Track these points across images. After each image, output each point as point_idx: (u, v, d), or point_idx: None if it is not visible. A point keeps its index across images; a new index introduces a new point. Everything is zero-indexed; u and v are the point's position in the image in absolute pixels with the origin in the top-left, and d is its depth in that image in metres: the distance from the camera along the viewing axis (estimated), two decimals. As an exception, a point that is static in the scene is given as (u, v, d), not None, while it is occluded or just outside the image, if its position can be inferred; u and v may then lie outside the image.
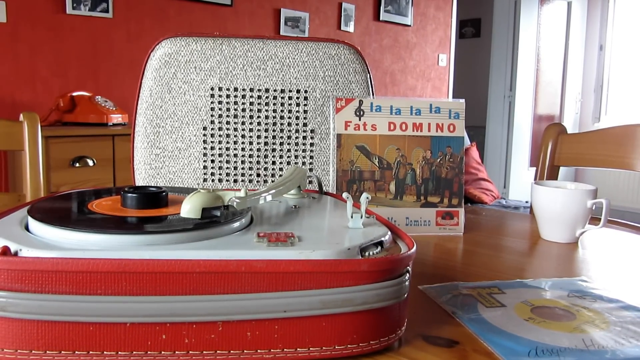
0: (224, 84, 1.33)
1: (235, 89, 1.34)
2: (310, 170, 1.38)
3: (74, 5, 3.77)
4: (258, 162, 1.35)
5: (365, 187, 1.26)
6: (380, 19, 6.03)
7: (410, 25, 6.42)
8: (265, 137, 1.35)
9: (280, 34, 4.97)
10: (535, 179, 1.74)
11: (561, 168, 1.82)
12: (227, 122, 1.34)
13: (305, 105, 1.36)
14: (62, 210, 0.78)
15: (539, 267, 1.06)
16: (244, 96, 1.34)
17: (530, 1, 7.47)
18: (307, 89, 1.35)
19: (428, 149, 1.27)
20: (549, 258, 1.12)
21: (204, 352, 0.59)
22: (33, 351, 0.57)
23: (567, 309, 0.80)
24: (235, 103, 1.34)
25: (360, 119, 1.26)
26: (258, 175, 1.36)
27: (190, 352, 0.59)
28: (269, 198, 0.80)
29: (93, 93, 3.55)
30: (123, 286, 0.57)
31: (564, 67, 8.05)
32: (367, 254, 0.67)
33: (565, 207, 1.21)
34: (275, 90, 1.35)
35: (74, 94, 3.44)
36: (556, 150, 1.78)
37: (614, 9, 7.87)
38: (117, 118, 3.44)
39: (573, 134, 1.80)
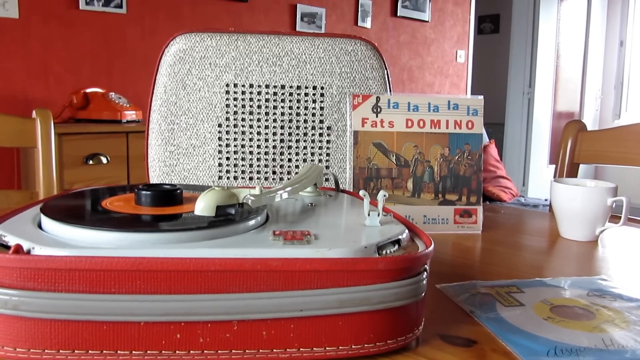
0: (239, 81, 1.33)
1: (251, 86, 1.34)
2: (327, 167, 1.37)
3: (87, 0, 3.78)
4: (274, 160, 1.36)
5: (382, 184, 1.26)
6: (398, 14, 6.02)
7: (428, 21, 6.41)
8: (281, 134, 1.35)
9: (296, 29, 4.97)
10: (554, 176, 1.73)
11: (581, 165, 1.81)
12: (243, 119, 1.34)
13: (321, 102, 1.36)
14: (75, 208, 0.78)
15: (558, 266, 1.06)
16: (259, 93, 1.34)
17: (549, -4, 7.45)
18: (323, 86, 1.35)
19: (446, 146, 1.27)
20: (569, 256, 1.12)
21: (219, 351, 0.59)
22: (46, 350, 0.57)
23: (586, 308, 0.80)
24: (251, 100, 1.34)
25: (377, 116, 1.26)
26: (274, 172, 1.36)
27: (205, 351, 0.59)
28: (284, 196, 0.80)
29: (107, 89, 3.55)
30: (137, 285, 0.57)
31: (584, 63, 8.01)
32: (384, 252, 0.67)
33: (585, 205, 1.20)
34: (291, 87, 1.35)
35: (88, 90, 3.44)
36: (576, 147, 1.78)
37: (635, 5, 7.83)
38: (131, 115, 3.44)
39: (593, 131, 1.79)
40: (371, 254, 0.64)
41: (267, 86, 1.34)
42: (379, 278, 0.60)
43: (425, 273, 0.65)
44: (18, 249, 0.59)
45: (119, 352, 0.58)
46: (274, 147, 1.35)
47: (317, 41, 1.35)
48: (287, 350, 0.60)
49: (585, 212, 1.21)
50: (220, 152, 1.34)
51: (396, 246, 0.69)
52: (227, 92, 1.33)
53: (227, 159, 1.35)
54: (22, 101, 3.57)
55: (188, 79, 1.33)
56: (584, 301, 0.82)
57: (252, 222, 0.71)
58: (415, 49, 6.34)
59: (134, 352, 0.58)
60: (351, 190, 1.18)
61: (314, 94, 1.35)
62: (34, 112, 1.79)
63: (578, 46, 7.93)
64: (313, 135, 1.36)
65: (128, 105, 3.48)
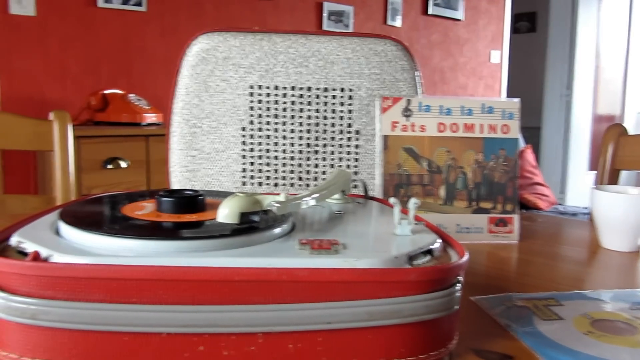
0: (264, 82, 1.34)
1: (276, 87, 1.34)
2: (355, 173, 1.37)
3: (106, -2, 3.81)
4: (300, 165, 1.36)
5: (413, 191, 1.26)
6: (429, 12, 6.02)
7: (461, 20, 6.40)
8: (308, 138, 1.35)
9: (323, 28, 4.98)
10: (594, 183, 1.72)
11: (623, 172, 1.80)
12: (267, 123, 1.34)
13: (349, 104, 1.36)
14: (94, 214, 0.78)
15: (599, 278, 1.05)
16: (285, 95, 1.34)
17: (589, -7, 7.41)
18: (351, 88, 1.35)
19: (480, 152, 1.27)
20: (610, 268, 1.11)
21: (243, 364, 0.60)
22: (65, 361, 0.58)
23: (629, 322, 0.79)
24: (276, 102, 1.34)
25: (408, 120, 1.26)
26: (300, 178, 1.36)
27: (229, 364, 0.59)
28: (311, 203, 0.80)
29: (126, 91, 3.58)
30: (159, 294, 0.57)
31: (626, 64, 7.96)
32: (415, 262, 0.66)
33: (627, 214, 1.19)
34: (318, 89, 1.35)
35: (106, 92, 3.46)
36: (617, 152, 1.76)
37: (681, 2, 7.78)
38: (151, 117, 3.46)
39: (635, 135, 1.78)
40: (402, 264, 0.64)
41: (292, 88, 1.34)
42: (410, 290, 0.60)
43: (458, 285, 0.65)
44: (36, 256, 0.60)
45: (139, 364, 0.58)
46: (300, 152, 1.36)
47: (345, 41, 1.35)
48: (314, 364, 0.60)
49: (627, 221, 1.20)
50: (244, 156, 1.35)
51: (428, 256, 0.69)
52: (252, 94, 1.34)
53: (251, 164, 1.35)
54: (39, 102, 3.60)
55: (211, 81, 1.33)
56: (626, 315, 0.82)
57: (277, 230, 0.71)
58: (447, 49, 6.33)
59: (155, 364, 0.59)
60: (381, 198, 1.18)
61: (341, 97, 1.36)
62: (51, 114, 1.80)
63: (620, 46, 7.88)
64: (341, 139, 1.36)
65: (148, 108, 3.50)
